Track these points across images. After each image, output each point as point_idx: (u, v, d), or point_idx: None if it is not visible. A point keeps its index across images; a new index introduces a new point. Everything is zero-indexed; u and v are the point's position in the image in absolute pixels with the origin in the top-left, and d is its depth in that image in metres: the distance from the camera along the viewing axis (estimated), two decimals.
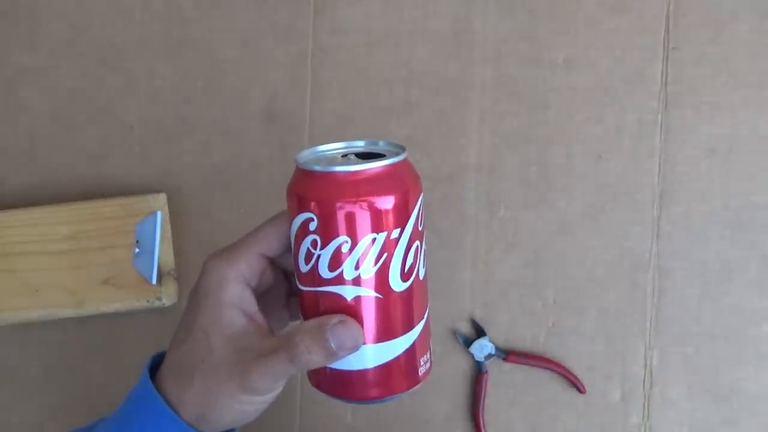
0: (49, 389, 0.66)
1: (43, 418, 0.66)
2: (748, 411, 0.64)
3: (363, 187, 0.37)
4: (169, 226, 0.63)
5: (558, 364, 0.64)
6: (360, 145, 0.42)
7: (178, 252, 0.64)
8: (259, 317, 0.42)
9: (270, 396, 0.41)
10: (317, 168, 0.38)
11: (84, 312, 0.63)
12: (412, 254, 0.39)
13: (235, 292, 0.41)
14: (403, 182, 0.39)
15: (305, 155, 0.41)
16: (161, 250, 0.62)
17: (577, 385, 0.64)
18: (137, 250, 0.62)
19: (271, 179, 0.65)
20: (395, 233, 0.38)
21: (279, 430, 0.66)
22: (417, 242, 0.39)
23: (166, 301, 0.63)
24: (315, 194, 0.38)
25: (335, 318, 0.39)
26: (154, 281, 0.62)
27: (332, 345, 0.39)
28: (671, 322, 0.64)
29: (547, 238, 0.65)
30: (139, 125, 0.66)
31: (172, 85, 0.66)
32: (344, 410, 0.65)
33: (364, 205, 0.37)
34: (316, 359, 0.39)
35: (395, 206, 0.38)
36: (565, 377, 0.64)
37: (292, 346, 0.39)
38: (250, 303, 0.42)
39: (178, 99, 0.66)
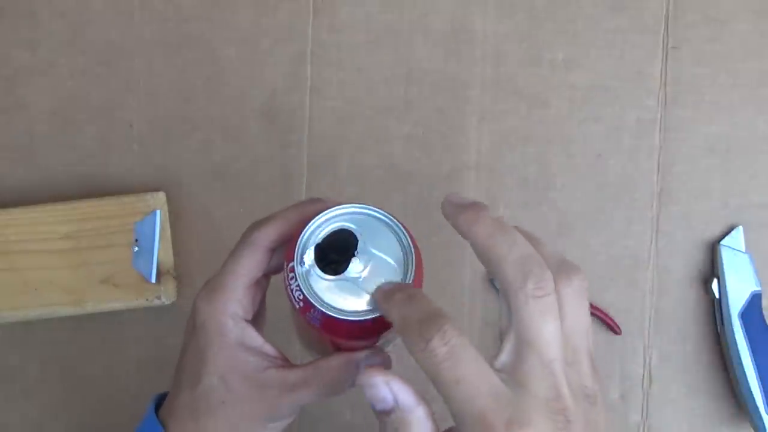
0: (48, 388, 0.65)
1: (43, 417, 0.65)
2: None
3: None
4: (168, 225, 0.63)
5: (594, 306, 0.63)
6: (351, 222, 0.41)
7: (177, 251, 0.64)
8: (268, 347, 0.43)
9: (296, 414, 0.43)
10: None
11: (83, 311, 0.63)
12: None
13: (236, 335, 0.42)
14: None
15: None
16: (160, 248, 0.62)
17: (612, 327, 0.64)
18: (136, 248, 0.62)
19: (271, 177, 0.65)
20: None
21: None
22: None
23: (166, 299, 0.63)
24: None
25: (363, 352, 0.42)
26: (154, 280, 0.62)
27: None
28: (670, 321, 0.64)
29: (546, 236, 0.64)
30: (139, 124, 0.66)
31: (172, 83, 0.66)
32: (343, 408, 0.65)
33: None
34: (349, 386, 0.42)
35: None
36: (600, 319, 0.63)
37: (324, 381, 0.41)
38: (254, 338, 0.42)
39: (178, 97, 0.66)
